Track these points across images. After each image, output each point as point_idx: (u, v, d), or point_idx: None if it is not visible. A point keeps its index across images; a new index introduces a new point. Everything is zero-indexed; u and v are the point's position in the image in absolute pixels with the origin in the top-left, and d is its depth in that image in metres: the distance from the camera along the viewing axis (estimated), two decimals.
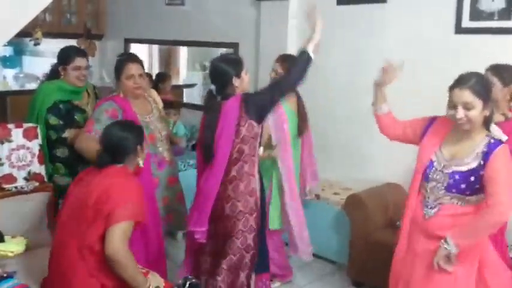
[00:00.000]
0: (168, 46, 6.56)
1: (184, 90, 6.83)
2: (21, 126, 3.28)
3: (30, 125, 3.33)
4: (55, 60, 3.55)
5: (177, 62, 6.99)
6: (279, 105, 2.95)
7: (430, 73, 3.78)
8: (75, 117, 3.48)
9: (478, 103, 2.33)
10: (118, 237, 2.35)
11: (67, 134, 3.39)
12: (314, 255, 3.71)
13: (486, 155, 2.35)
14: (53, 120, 3.40)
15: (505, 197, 2.30)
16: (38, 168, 3.34)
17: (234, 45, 5.07)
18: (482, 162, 2.35)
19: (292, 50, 3.50)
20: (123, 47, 6.38)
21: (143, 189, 2.59)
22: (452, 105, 2.38)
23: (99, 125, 3.02)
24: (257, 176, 2.94)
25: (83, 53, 3.59)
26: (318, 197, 4.09)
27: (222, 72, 2.87)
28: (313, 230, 3.64)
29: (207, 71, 6.01)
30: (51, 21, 6.06)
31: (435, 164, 2.49)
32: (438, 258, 2.39)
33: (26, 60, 6.63)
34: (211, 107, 2.93)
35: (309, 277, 3.92)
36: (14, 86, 6.33)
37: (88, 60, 3.59)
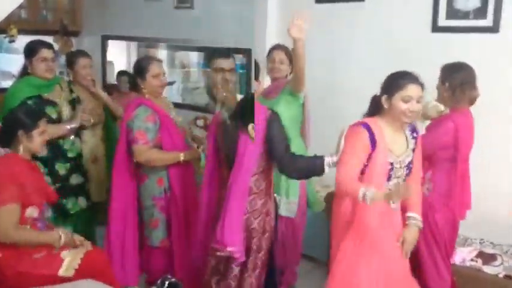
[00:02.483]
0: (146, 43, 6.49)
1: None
2: None
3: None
4: None
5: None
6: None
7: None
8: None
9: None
10: (3, 222, 2.68)
11: None
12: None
13: (415, 138, 2.76)
14: None
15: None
16: None
17: (247, 51, 4.89)
18: (414, 146, 2.73)
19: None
20: (100, 44, 6.32)
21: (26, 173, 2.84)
22: (407, 100, 2.57)
23: (150, 133, 3.17)
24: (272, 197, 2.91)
25: (48, 45, 3.59)
26: None
27: None
28: None
29: (187, 69, 6.03)
30: (27, 18, 5.97)
31: (394, 164, 2.67)
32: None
33: (1, 57, 6.50)
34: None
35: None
36: None
37: (55, 53, 3.60)
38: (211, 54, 3.19)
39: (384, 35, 4.02)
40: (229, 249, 2.68)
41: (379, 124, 2.64)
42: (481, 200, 3.34)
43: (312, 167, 2.72)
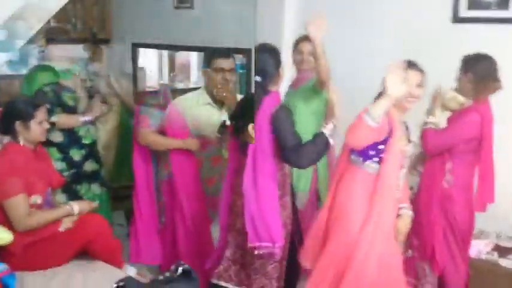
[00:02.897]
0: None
1: None
2: None
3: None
4: (61, 65, 3.64)
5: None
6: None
7: (428, 63, 3.64)
8: (63, 98, 3.46)
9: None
10: (15, 214, 2.81)
11: (55, 118, 3.40)
12: None
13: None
14: None
15: None
16: None
17: (247, 52, 4.80)
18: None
19: None
20: (130, 51, 6.37)
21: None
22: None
23: (154, 119, 3.41)
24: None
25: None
26: None
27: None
28: None
29: None
30: (56, 27, 6.03)
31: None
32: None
33: (33, 64, 6.59)
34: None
35: None
36: (6, 72, 6.26)
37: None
38: (211, 54, 3.16)
39: (403, 25, 3.96)
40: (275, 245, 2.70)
41: (390, 111, 2.59)
42: (498, 194, 3.23)
43: (317, 147, 2.67)
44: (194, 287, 2.37)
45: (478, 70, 3.08)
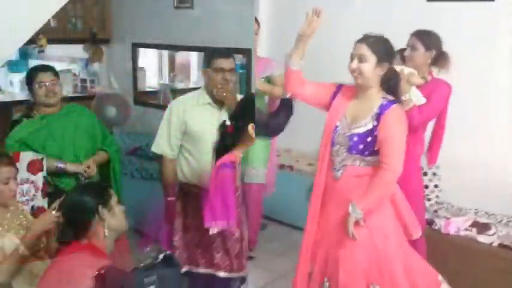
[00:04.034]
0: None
1: None
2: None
3: (34, 157, 3.16)
4: (61, 65, 3.51)
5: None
6: None
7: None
8: None
9: (371, 58, 2.56)
10: None
11: None
12: (290, 225, 4.26)
13: (378, 116, 2.53)
14: None
15: (394, 158, 2.52)
16: (42, 202, 3.20)
17: (247, 52, 4.78)
18: (375, 123, 2.53)
19: None
20: (130, 52, 6.36)
21: None
22: (351, 58, 2.62)
23: None
24: None
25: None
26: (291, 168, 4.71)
27: None
28: (287, 201, 4.03)
29: None
30: (56, 27, 6.02)
31: (339, 128, 2.65)
32: (349, 226, 2.55)
33: (32, 64, 6.56)
34: None
35: (285, 246, 4.28)
36: (20, 94, 6.26)
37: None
38: (211, 54, 3.15)
39: (378, 4, 4.12)
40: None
41: (352, 89, 2.69)
42: (475, 170, 3.47)
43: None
44: (177, 273, 2.30)
45: (439, 46, 3.20)
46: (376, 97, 2.60)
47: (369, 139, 2.57)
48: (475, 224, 3.66)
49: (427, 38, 3.18)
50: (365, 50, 2.57)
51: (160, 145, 3.25)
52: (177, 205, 3.27)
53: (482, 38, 3.64)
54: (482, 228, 3.61)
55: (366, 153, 2.59)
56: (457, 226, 3.65)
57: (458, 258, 3.53)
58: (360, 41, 2.62)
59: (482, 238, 3.57)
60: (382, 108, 2.56)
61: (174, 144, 3.22)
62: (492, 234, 3.56)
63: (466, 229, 3.64)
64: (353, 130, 2.61)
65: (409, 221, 2.79)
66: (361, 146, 2.58)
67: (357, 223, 2.56)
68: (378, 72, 2.58)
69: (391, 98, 2.61)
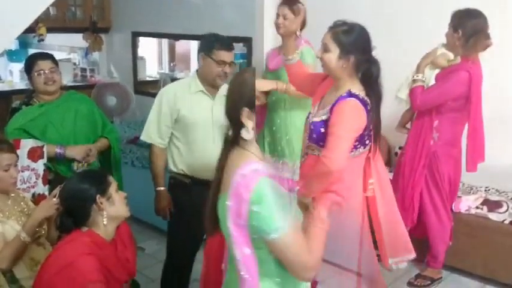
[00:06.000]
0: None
1: None
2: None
3: (35, 144, 3.12)
4: (61, 54, 3.47)
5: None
6: None
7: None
8: None
9: (334, 48, 2.39)
10: None
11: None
12: None
13: (332, 108, 2.40)
14: None
15: (334, 153, 2.31)
16: (42, 189, 3.16)
17: (248, 40, 4.83)
18: (329, 115, 2.39)
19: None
20: (130, 40, 6.33)
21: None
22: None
23: None
24: None
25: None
26: None
27: None
28: None
29: None
30: (56, 16, 6.01)
31: (310, 116, 2.59)
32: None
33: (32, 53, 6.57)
34: None
35: None
36: (19, 83, 6.28)
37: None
38: (213, 42, 3.05)
39: None
40: None
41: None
42: (486, 148, 3.33)
43: None
44: None
45: (468, 26, 3.05)
46: (344, 88, 2.43)
47: (322, 130, 2.44)
48: (485, 202, 3.63)
49: (456, 18, 3.09)
50: (328, 40, 2.42)
51: (150, 133, 3.15)
52: (167, 195, 3.19)
53: None
54: (493, 206, 3.59)
55: (321, 143, 2.44)
56: (467, 204, 3.61)
57: (469, 237, 3.52)
58: (329, 29, 2.46)
59: (493, 216, 3.53)
60: (337, 101, 2.40)
61: (164, 132, 3.12)
62: (503, 212, 3.53)
63: (477, 207, 3.60)
64: (313, 118, 2.52)
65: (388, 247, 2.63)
66: (314, 136, 2.49)
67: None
68: (342, 64, 2.40)
69: (359, 91, 2.41)
